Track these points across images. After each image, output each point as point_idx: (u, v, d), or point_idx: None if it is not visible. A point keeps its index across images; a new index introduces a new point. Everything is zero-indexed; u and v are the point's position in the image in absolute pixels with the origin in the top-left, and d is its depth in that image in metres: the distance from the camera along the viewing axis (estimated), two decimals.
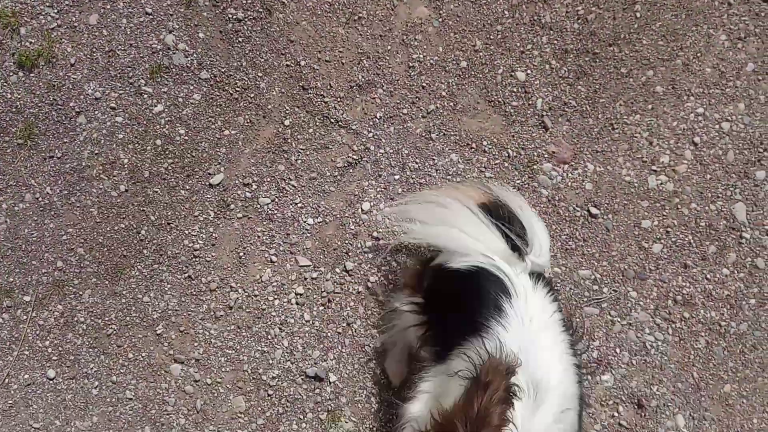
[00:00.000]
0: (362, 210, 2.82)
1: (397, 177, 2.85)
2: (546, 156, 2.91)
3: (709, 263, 2.86)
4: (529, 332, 1.84)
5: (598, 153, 2.92)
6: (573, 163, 2.91)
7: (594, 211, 2.86)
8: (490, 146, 2.89)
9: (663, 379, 2.76)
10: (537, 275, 2.07)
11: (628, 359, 2.77)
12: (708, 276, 2.85)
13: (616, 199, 2.89)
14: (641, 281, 2.84)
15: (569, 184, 2.90)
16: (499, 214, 2.11)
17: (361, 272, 2.76)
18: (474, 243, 2.05)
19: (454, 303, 2.08)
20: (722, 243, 2.88)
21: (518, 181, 2.91)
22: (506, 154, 2.89)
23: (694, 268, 2.85)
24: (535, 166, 2.90)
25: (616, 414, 2.70)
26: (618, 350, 2.77)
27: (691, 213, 2.89)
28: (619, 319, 2.81)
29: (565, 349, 1.89)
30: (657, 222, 2.88)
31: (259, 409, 2.66)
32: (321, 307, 2.73)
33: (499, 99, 2.93)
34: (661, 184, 2.90)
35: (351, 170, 2.84)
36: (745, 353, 2.78)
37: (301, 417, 2.63)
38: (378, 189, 2.85)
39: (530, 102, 2.95)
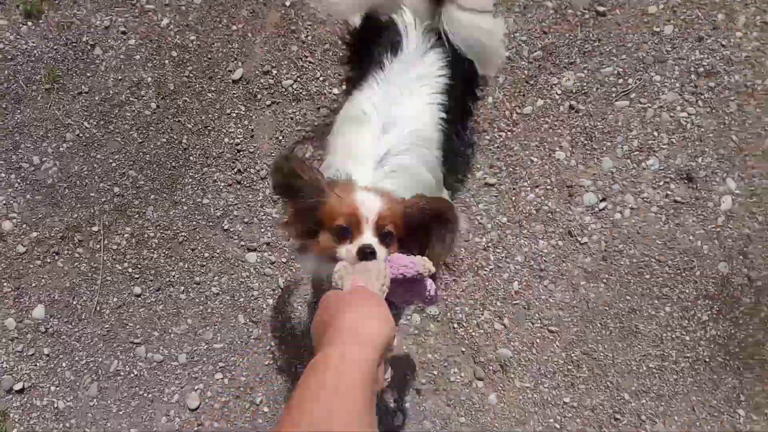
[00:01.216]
0: None
1: None
2: None
3: (721, 30, 2.38)
4: (400, 80, 1.71)
5: None
6: None
7: (600, 9, 2.39)
8: None
9: (705, 149, 2.31)
10: (440, 36, 1.76)
11: (668, 139, 2.32)
12: (723, 43, 2.38)
13: None
14: (661, 64, 2.36)
15: None
16: None
17: None
18: None
19: (365, 49, 1.85)
20: (729, 8, 2.40)
21: (522, 0, 2.41)
22: None
23: (708, 39, 2.38)
24: None
25: (669, 192, 2.31)
26: (656, 133, 2.34)
27: None
28: (649, 105, 2.35)
29: (432, 102, 1.75)
30: (662, 5, 2.41)
31: None
32: None
33: None
34: None
35: None
36: None
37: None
38: None
39: None
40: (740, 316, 2.24)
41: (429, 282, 1.39)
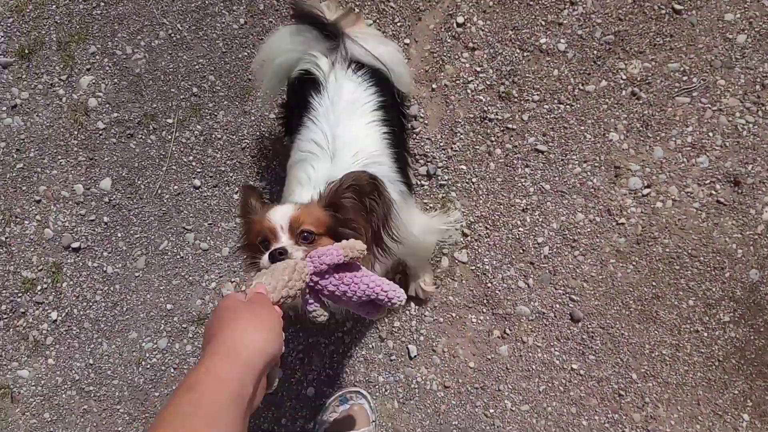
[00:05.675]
0: (457, 24, 2.62)
1: None
2: None
3: None
4: (334, 112, 1.83)
5: None
6: None
7: (677, 7, 2.55)
8: None
9: (757, 158, 2.43)
10: (360, 65, 1.93)
11: (721, 141, 2.45)
12: None
13: None
14: (728, 70, 2.50)
15: None
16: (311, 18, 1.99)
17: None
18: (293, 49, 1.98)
19: (296, 104, 2.00)
20: None
21: None
22: None
23: None
24: None
25: (713, 192, 2.44)
26: (711, 134, 2.48)
27: None
28: (709, 106, 2.48)
29: (372, 120, 1.85)
30: (739, 14, 2.55)
31: None
32: None
33: None
34: None
35: None
36: None
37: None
38: None
39: None
40: (762, 324, 2.38)
41: (374, 280, 1.35)
